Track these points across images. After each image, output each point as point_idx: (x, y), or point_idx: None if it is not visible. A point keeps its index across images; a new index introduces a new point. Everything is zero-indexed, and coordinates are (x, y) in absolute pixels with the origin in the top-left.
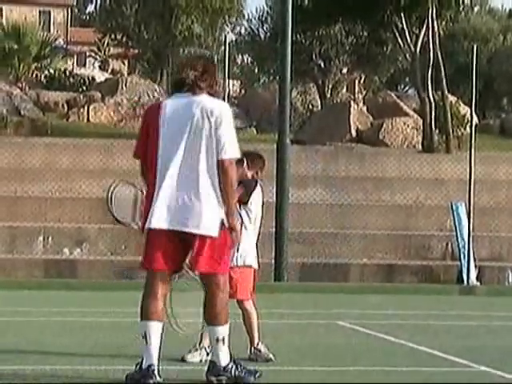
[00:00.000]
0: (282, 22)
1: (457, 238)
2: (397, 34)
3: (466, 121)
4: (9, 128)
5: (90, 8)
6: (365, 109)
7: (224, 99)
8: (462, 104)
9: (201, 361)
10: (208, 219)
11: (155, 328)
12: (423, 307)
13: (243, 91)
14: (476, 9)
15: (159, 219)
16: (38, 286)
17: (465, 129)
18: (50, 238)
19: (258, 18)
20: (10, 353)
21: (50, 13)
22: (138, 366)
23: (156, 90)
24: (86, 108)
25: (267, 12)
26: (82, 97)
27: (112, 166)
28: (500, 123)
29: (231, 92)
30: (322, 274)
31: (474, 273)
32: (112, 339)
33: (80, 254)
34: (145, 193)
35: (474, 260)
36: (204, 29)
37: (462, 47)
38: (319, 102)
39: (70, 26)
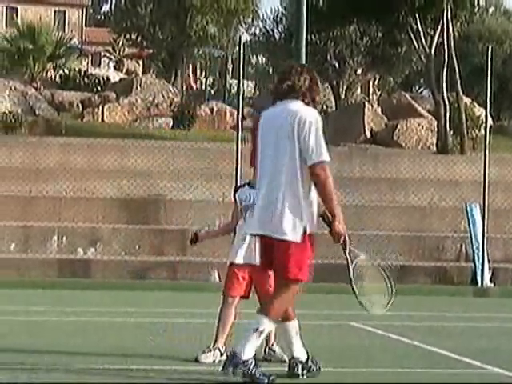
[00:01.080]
0: (297, 22)
1: (471, 240)
2: (411, 35)
3: (480, 122)
4: (23, 128)
5: (105, 8)
6: (379, 110)
7: (238, 99)
8: (476, 105)
9: (214, 361)
10: (289, 225)
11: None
12: (437, 309)
13: (258, 92)
14: (491, 10)
15: (250, 225)
16: (51, 285)
17: (479, 130)
18: (64, 238)
19: (273, 18)
20: (23, 352)
21: (64, 13)
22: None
23: (170, 91)
24: (100, 108)
25: (282, 13)
26: (96, 97)
27: (127, 166)
28: None
29: (246, 92)
30: (336, 274)
31: (487, 274)
32: (126, 339)
33: (94, 253)
34: None
35: (488, 262)
36: (219, 29)
37: (477, 48)
38: (333, 103)
39: (85, 25)
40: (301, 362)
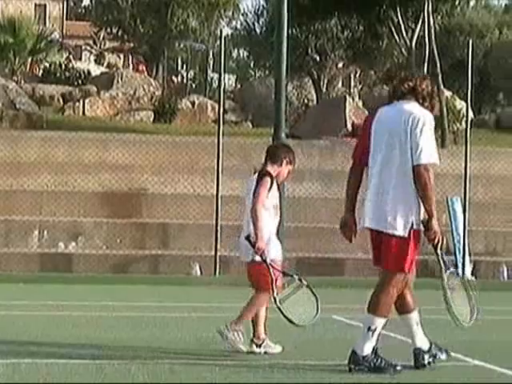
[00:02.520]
0: (278, 16)
1: (452, 233)
2: (393, 29)
3: (461, 116)
4: (4, 122)
5: (86, 1)
6: (360, 103)
7: (219, 93)
8: (457, 99)
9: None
10: (399, 219)
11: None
12: (419, 301)
13: (239, 85)
14: (472, 3)
15: (365, 219)
16: (33, 279)
17: (460, 124)
18: (46, 232)
19: (254, 12)
20: (4, 345)
21: (45, 6)
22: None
23: (152, 84)
24: (81, 102)
25: (263, 6)
26: (77, 91)
27: (108, 160)
28: (495, 118)
29: (227, 86)
30: (318, 268)
31: (469, 267)
32: (108, 333)
33: (75, 247)
34: None
35: (469, 255)
36: (200, 23)
37: (458, 42)
38: (315, 97)
39: (66, 19)
40: (424, 352)
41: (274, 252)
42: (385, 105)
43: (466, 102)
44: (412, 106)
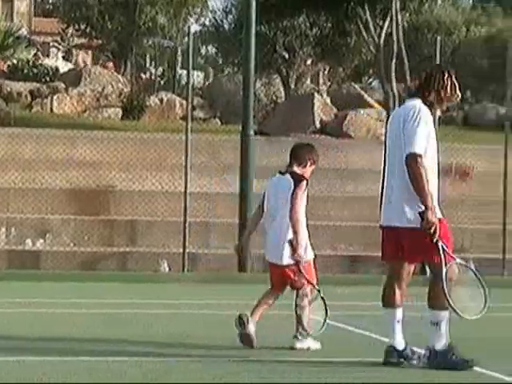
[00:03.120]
0: (246, 13)
1: None
2: (361, 26)
3: None
4: None
5: None
6: (329, 100)
7: (187, 90)
8: None
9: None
10: (406, 212)
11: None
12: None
13: (207, 82)
14: (439, 1)
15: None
16: (0, 277)
17: None
18: (13, 229)
19: (223, 9)
20: None
21: (12, 2)
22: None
23: (120, 81)
24: (49, 98)
25: (231, 3)
26: (45, 87)
27: (76, 157)
28: (463, 115)
29: (195, 83)
30: None
31: None
32: (76, 330)
33: (43, 244)
34: None
35: None
36: (168, 20)
37: (426, 39)
38: (283, 94)
39: (34, 15)
40: (396, 351)
41: (309, 254)
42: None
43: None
44: (412, 103)
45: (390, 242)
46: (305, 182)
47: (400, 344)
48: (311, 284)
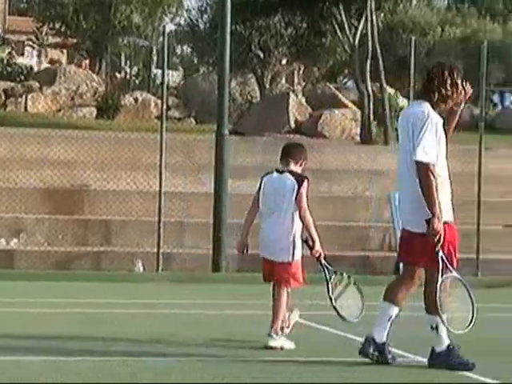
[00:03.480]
0: (221, 12)
1: (394, 230)
2: (336, 26)
3: None
4: None
5: None
6: (304, 100)
7: (162, 89)
8: (400, 96)
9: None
10: (414, 216)
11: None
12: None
13: (183, 82)
14: (414, 1)
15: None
16: None
17: None
18: None
19: (198, 8)
20: None
21: None
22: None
23: (94, 80)
24: (23, 97)
25: (207, 2)
26: (19, 86)
27: (50, 156)
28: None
29: (170, 82)
30: (260, 264)
31: None
32: (51, 330)
33: (17, 244)
34: None
35: None
36: (143, 19)
37: (401, 39)
38: (258, 93)
39: (8, 14)
40: (375, 343)
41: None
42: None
43: (408, 99)
44: (421, 108)
45: (403, 244)
46: (307, 182)
47: (381, 338)
48: (336, 272)
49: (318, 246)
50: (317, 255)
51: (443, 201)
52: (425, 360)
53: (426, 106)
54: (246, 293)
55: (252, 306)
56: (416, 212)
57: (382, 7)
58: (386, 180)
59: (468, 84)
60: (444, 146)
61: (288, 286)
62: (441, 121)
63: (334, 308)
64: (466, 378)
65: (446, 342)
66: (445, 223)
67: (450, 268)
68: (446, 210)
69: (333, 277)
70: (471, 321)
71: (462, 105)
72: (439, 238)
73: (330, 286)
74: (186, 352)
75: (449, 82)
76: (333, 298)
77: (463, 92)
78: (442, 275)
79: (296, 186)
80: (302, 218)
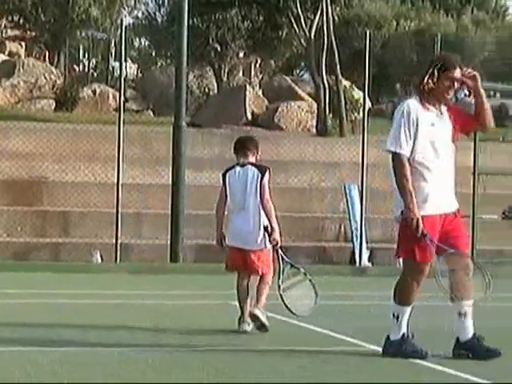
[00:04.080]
0: (179, 5)
1: (350, 220)
2: (292, 19)
3: (359, 105)
4: None
5: None
6: (260, 92)
7: (120, 82)
8: (355, 89)
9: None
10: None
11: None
12: (317, 288)
13: (140, 74)
14: None
15: None
16: None
17: (358, 113)
18: None
19: (155, 1)
20: None
21: None
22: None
23: (53, 73)
24: None
25: None
26: None
27: (8, 148)
28: (392, 107)
29: (128, 75)
30: (218, 255)
31: (366, 254)
32: (10, 320)
33: None
34: None
35: (366, 242)
36: (101, 12)
37: (357, 33)
38: (216, 86)
39: None
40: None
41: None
42: None
43: (364, 91)
44: (404, 102)
45: None
46: (269, 172)
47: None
48: (293, 265)
49: (276, 235)
50: (274, 243)
51: (428, 193)
52: (378, 349)
53: (409, 102)
54: (204, 283)
55: (211, 296)
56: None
57: (338, 1)
58: (342, 171)
59: (464, 69)
60: (432, 140)
61: (262, 272)
62: (428, 114)
63: (281, 297)
64: (413, 365)
65: (403, 331)
66: (423, 216)
67: (444, 247)
68: (427, 202)
69: (287, 268)
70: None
71: (465, 92)
72: (416, 225)
73: (281, 275)
74: (141, 342)
75: (429, 72)
76: (281, 287)
77: (446, 81)
78: (437, 256)
79: (260, 176)
80: (263, 207)
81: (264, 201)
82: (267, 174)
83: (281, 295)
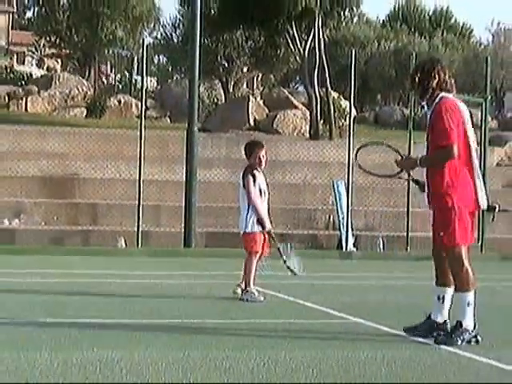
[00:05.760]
0: (192, 27)
1: (337, 212)
2: (289, 40)
3: (346, 113)
4: None
5: (29, 14)
6: (261, 102)
7: (141, 93)
8: (343, 99)
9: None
10: None
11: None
12: (309, 269)
13: (159, 86)
14: (355, 19)
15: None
16: None
17: (345, 120)
18: None
19: (172, 24)
20: None
21: None
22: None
23: (84, 85)
24: (24, 99)
25: (179, 19)
26: (20, 90)
27: (46, 149)
28: (374, 115)
29: (148, 87)
30: (225, 241)
31: (351, 241)
32: (52, 297)
33: (18, 224)
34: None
35: (352, 230)
36: (126, 33)
37: (344, 51)
38: (223, 96)
39: (11, 29)
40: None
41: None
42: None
43: (350, 101)
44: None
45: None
46: (248, 172)
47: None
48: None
49: (267, 225)
50: (266, 230)
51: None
52: (361, 321)
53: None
54: (212, 265)
55: (219, 276)
56: None
57: (328, 24)
58: (331, 170)
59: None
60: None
61: (249, 251)
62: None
63: (288, 267)
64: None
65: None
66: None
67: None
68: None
69: (281, 246)
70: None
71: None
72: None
73: (281, 251)
74: (159, 314)
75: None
76: (285, 259)
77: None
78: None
79: (242, 176)
80: (250, 202)
81: (247, 196)
82: (246, 173)
83: (288, 266)
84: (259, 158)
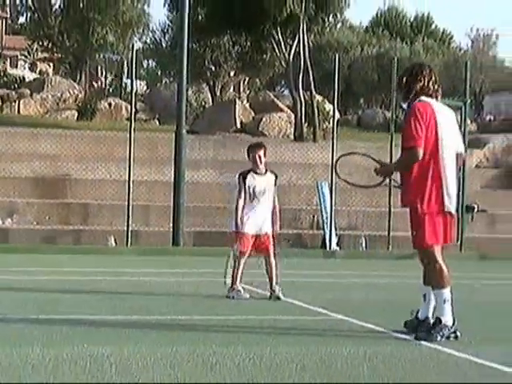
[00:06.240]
0: (180, 33)
1: (321, 212)
2: (274, 45)
3: (329, 116)
4: None
5: (22, 19)
6: (248, 105)
7: (131, 96)
8: (327, 102)
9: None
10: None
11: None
12: (293, 268)
13: (148, 90)
14: (339, 25)
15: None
16: None
17: (329, 122)
18: None
19: (161, 29)
20: None
21: None
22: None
23: (76, 88)
24: (17, 102)
25: (168, 25)
26: (13, 93)
27: (38, 151)
28: (357, 118)
29: (138, 90)
30: (212, 240)
31: (334, 240)
32: (48, 295)
33: (11, 223)
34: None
35: (335, 229)
36: (116, 38)
37: (328, 56)
38: (210, 100)
39: (5, 33)
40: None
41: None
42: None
43: (333, 104)
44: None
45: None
46: (238, 176)
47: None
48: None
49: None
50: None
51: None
52: (345, 318)
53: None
54: (200, 263)
55: (206, 274)
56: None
57: (312, 29)
58: (315, 171)
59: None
60: None
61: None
62: None
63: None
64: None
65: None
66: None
67: None
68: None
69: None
70: None
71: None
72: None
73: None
74: (149, 310)
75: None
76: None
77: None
78: None
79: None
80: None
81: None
82: (236, 177)
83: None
84: (254, 159)
